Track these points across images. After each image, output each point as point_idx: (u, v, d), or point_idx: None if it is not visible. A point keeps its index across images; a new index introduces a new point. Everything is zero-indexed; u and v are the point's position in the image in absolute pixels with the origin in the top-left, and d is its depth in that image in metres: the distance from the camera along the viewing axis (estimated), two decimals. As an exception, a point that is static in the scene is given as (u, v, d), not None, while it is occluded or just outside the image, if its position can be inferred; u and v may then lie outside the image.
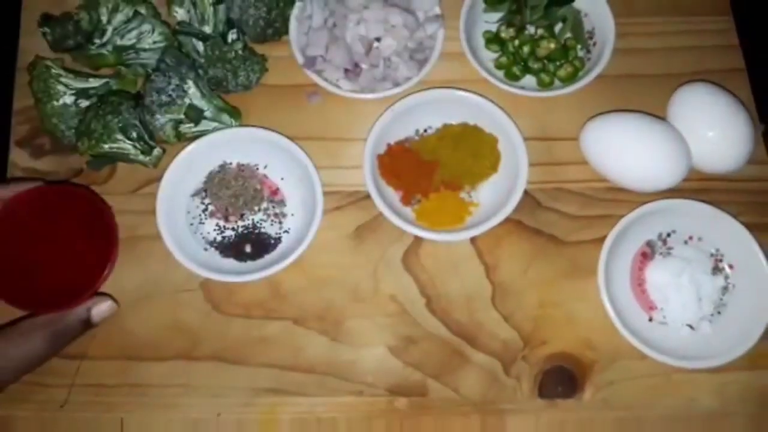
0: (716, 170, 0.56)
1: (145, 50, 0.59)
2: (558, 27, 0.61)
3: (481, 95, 0.56)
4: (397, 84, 0.58)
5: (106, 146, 0.55)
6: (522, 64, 0.60)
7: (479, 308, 0.54)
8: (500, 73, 0.60)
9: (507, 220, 0.53)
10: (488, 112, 0.56)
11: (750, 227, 0.52)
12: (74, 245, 0.54)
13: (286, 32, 0.60)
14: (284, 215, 0.56)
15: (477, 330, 0.54)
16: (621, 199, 0.57)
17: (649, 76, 0.61)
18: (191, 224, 0.55)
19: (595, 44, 0.61)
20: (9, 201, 0.53)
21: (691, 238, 0.55)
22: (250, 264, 0.54)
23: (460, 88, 0.57)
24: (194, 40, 0.59)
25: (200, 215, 0.56)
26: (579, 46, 0.60)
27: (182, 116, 0.55)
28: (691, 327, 0.53)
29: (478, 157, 0.56)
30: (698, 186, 0.57)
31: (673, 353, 0.50)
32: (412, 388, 0.53)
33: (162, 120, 0.55)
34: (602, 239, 0.53)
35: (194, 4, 0.59)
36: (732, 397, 0.52)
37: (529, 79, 0.61)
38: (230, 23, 0.60)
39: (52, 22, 0.59)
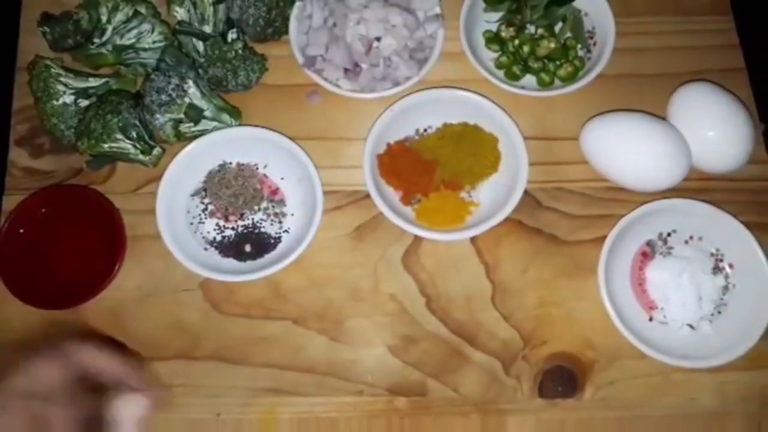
0: (716, 170, 0.56)
1: (144, 50, 0.59)
2: (558, 26, 0.61)
3: (481, 95, 0.56)
4: (397, 83, 0.58)
5: (106, 146, 0.55)
6: (522, 63, 0.60)
7: (479, 308, 0.54)
8: (500, 73, 0.60)
9: (507, 219, 0.53)
10: (488, 112, 0.56)
11: (750, 227, 0.52)
12: (83, 245, 0.55)
13: (286, 32, 0.60)
14: (284, 215, 0.56)
15: (477, 329, 0.54)
16: (621, 198, 0.57)
17: (649, 75, 0.61)
18: (191, 224, 0.55)
19: (595, 44, 0.60)
20: (22, 203, 0.54)
21: (691, 237, 0.55)
22: (250, 263, 0.54)
23: (460, 88, 0.57)
24: (194, 40, 0.58)
25: (200, 215, 0.55)
26: (579, 46, 0.60)
27: (182, 116, 0.55)
28: (691, 326, 0.53)
29: (478, 157, 0.56)
30: (698, 186, 0.57)
31: (673, 353, 0.50)
32: (412, 388, 0.53)
33: (162, 119, 0.55)
34: (602, 239, 0.53)
35: (194, 4, 0.59)
36: (732, 397, 0.52)
37: (530, 79, 0.61)
38: (230, 23, 0.60)
39: (51, 22, 0.59)
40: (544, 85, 0.60)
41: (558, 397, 0.52)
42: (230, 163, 0.57)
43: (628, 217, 0.53)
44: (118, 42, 0.58)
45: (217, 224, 0.55)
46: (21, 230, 0.55)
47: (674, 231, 0.55)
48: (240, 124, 0.58)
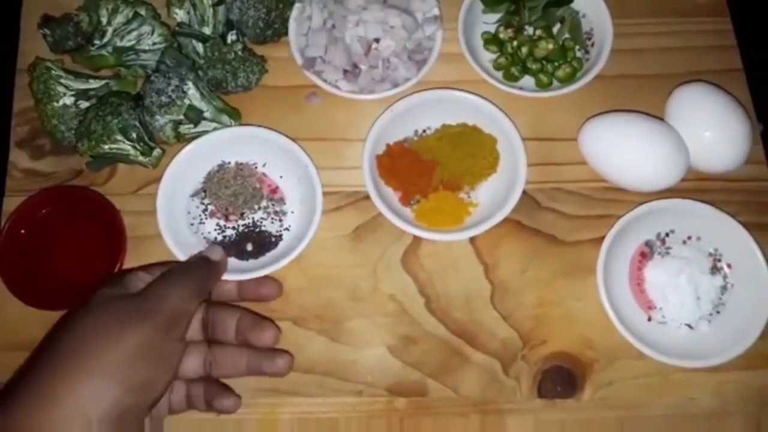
0: (714, 170, 0.56)
1: (144, 51, 0.59)
2: (556, 28, 0.61)
3: (479, 96, 0.57)
4: (396, 85, 0.58)
5: (106, 147, 0.55)
6: (520, 64, 0.60)
7: (478, 308, 0.55)
8: (499, 74, 0.61)
9: (506, 220, 0.54)
10: (487, 113, 0.56)
11: (748, 227, 0.53)
12: (84, 246, 0.55)
13: (286, 33, 0.60)
14: (284, 213, 0.56)
15: (476, 330, 0.54)
16: (619, 199, 0.57)
17: (647, 76, 0.61)
18: (191, 224, 0.55)
19: (593, 45, 0.61)
20: (22, 204, 0.55)
21: (689, 237, 0.55)
22: (252, 262, 0.54)
23: (458, 89, 0.57)
24: (194, 42, 0.59)
25: (200, 215, 0.56)
26: (577, 47, 0.61)
27: (182, 117, 0.55)
28: (689, 326, 0.53)
29: (477, 158, 0.56)
30: (696, 186, 0.57)
31: (672, 352, 0.51)
32: (412, 388, 0.53)
33: (162, 121, 0.55)
34: (601, 239, 0.53)
35: (194, 6, 0.59)
36: (730, 397, 0.52)
37: (528, 80, 0.61)
38: (230, 24, 0.60)
39: (52, 24, 0.59)
40: (542, 86, 0.60)
41: (557, 397, 0.53)
42: (229, 163, 0.57)
43: (626, 218, 0.53)
44: (119, 44, 0.58)
45: (217, 224, 0.55)
46: (22, 231, 0.55)
47: (672, 231, 0.56)
48: (240, 125, 0.58)
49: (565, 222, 0.57)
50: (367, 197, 0.54)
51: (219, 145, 0.56)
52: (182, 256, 0.51)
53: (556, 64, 0.60)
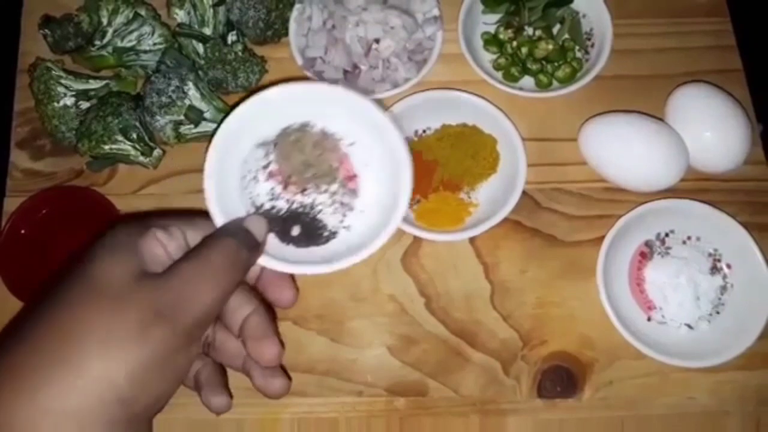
0: (714, 170, 0.56)
1: (145, 52, 0.59)
2: (556, 28, 0.61)
3: (479, 96, 0.57)
4: (396, 85, 0.58)
5: (107, 147, 0.55)
6: (520, 65, 0.60)
7: (478, 308, 0.55)
8: (499, 74, 0.61)
9: (506, 220, 0.54)
10: (487, 113, 0.57)
11: (748, 227, 0.53)
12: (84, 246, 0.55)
13: (286, 34, 0.60)
14: (351, 208, 0.44)
15: (476, 330, 0.54)
16: (619, 199, 0.57)
17: (646, 76, 0.61)
18: (243, 177, 0.44)
19: (593, 45, 0.61)
20: (22, 205, 0.55)
21: (689, 237, 0.56)
22: (289, 249, 0.42)
23: (458, 89, 0.57)
24: (194, 42, 0.59)
25: (258, 171, 0.44)
26: (577, 47, 0.61)
27: (182, 117, 0.55)
28: (689, 326, 0.53)
29: (477, 158, 0.56)
30: (696, 186, 0.57)
31: (672, 352, 0.51)
32: (412, 388, 0.53)
33: (162, 121, 0.55)
34: (601, 239, 0.53)
35: (194, 6, 0.59)
36: (730, 396, 0.52)
37: (528, 80, 0.61)
38: (230, 25, 0.60)
39: (52, 24, 0.59)
40: (542, 86, 0.60)
41: (557, 397, 0.53)
42: (314, 126, 0.45)
43: (626, 218, 0.53)
44: (119, 44, 0.59)
45: (272, 189, 0.44)
46: (22, 231, 0.55)
47: (672, 231, 0.56)
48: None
49: (564, 222, 0.57)
50: (368, 197, 0.54)
51: (312, 102, 0.44)
52: (217, 212, 0.39)
53: (556, 64, 0.60)
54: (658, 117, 0.58)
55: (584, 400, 0.52)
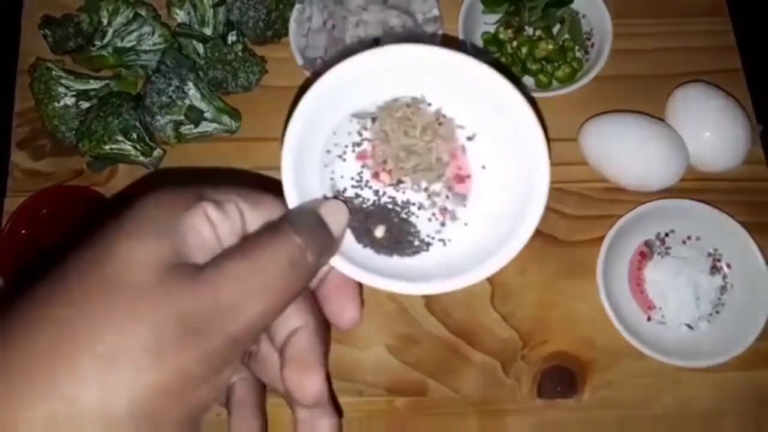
0: (714, 170, 0.56)
1: (145, 52, 0.59)
2: (556, 28, 0.61)
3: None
4: (396, 85, 0.58)
5: (107, 147, 0.55)
6: (520, 65, 0.60)
7: (478, 308, 0.55)
8: (499, 74, 0.61)
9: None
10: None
11: (748, 227, 0.53)
12: None
13: (286, 34, 0.60)
14: (455, 218, 0.35)
15: (476, 330, 0.54)
16: (619, 199, 0.57)
17: (646, 76, 0.61)
18: (329, 151, 0.35)
19: (593, 45, 0.61)
20: (23, 204, 0.55)
21: (689, 237, 0.56)
22: (366, 254, 0.33)
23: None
24: (194, 42, 0.59)
25: (347, 147, 0.35)
26: (577, 47, 0.61)
27: (182, 117, 0.55)
28: (689, 326, 0.53)
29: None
30: (696, 186, 0.57)
31: (672, 352, 0.51)
32: (412, 388, 0.53)
33: (162, 121, 0.55)
34: (601, 239, 0.53)
35: (194, 6, 0.59)
36: (730, 396, 0.52)
37: (528, 80, 0.61)
38: (230, 25, 0.60)
39: (52, 24, 0.59)
40: (542, 86, 0.60)
41: (557, 397, 0.53)
42: (429, 104, 0.36)
43: (626, 218, 0.53)
44: (119, 44, 0.59)
45: (360, 173, 0.35)
46: (22, 231, 0.55)
47: (672, 231, 0.56)
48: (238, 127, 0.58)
49: (564, 222, 0.57)
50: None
51: (431, 71, 0.34)
52: (293, 191, 0.31)
53: (556, 64, 0.60)
54: (658, 117, 0.58)
55: (584, 401, 0.52)
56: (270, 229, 0.27)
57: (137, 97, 0.58)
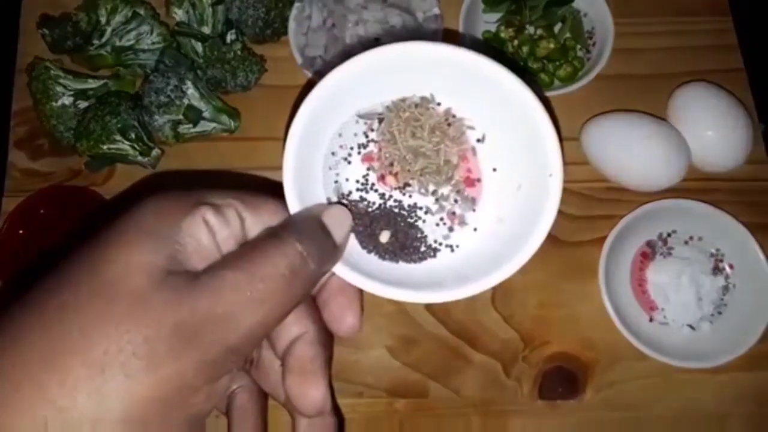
0: (716, 170, 0.56)
1: (143, 51, 0.59)
2: (557, 27, 0.61)
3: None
4: (396, 84, 0.57)
5: (105, 147, 0.55)
6: (522, 64, 0.60)
7: (479, 309, 0.54)
8: (499, 74, 0.60)
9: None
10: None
11: (750, 227, 0.52)
12: None
13: (285, 33, 0.60)
14: (463, 222, 0.34)
15: (477, 330, 0.54)
16: (621, 199, 0.57)
17: (648, 76, 0.61)
18: (333, 153, 0.34)
19: (594, 44, 0.61)
20: (20, 204, 0.54)
21: (691, 238, 0.55)
22: (370, 259, 0.32)
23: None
24: (193, 41, 0.58)
25: (352, 149, 0.34)
26: (578, 46, 0.60)
27: (181, 117, 0.55)
28: (691, 327, 0.53)
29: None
30: (698, 186, 0.57)
31: (674, 353, 0.50)
32: (412, 389, 0.53)
33: (161, 120, 0.55)
34: (603, 239, 0.53)
35: (193, 5, 0.59)
36: (732, 397, 0.52)
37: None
38: (229, 24, 0.60)
39: (51, 24, 0.59)
40: (543, 85, 0.60)
41: (558, 398, 0.52)
42: (438, 104, 0.34)
43: (628, 218, 0.53)
44: (117, 43, 0.58)
45: (365, 176, 0.34)
46: (20, 231, 0.55)
47: (674, 231, 0.55)
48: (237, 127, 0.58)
49: (566, 222, 0.57)
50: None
51: (439, 68, 0.32)
52: (294, 195, 0.29)
53: (557, 63, 0.60)
54: (659, 116, 0.57)
55: (586, 402, 0.52)
56: (270, 235, 0.26)
57: (135, 97, 0.57)
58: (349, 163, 0.34)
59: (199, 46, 0.58)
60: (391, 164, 0.33)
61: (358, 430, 0.52)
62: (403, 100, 0.34)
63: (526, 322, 0.54)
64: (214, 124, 0.57)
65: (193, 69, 0.57)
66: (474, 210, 0.34)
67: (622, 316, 0.51)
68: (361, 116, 0.34)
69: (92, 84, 0.58)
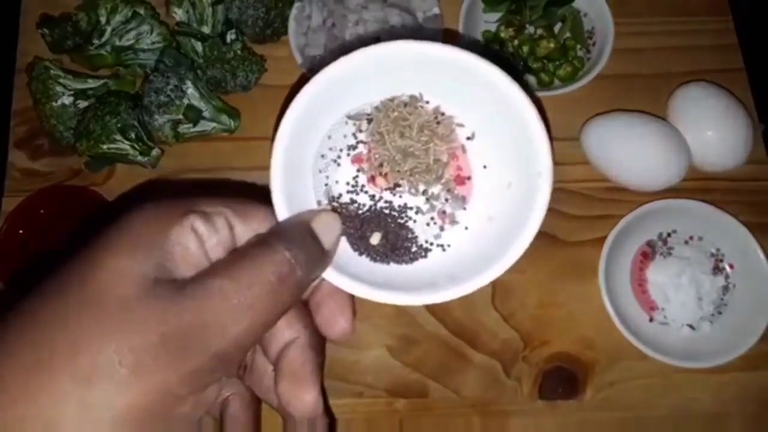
0: (716, 170, 0.56)
1: (143, 51, 0.59)
2: (557, 27, 0.61)
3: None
4: (396, 84, 0.57)
5: (105, 147, 0.55)
6: (521, 63, 0.60)
7: (479, 308, 0.54)
8: (499, 73, 0.60)
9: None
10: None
11: (750, 227, 0.52)
12: None
13: (285, 32, 0.60)
14: (454, 221, 0.34)
15: (477, 330, 0.54)
16: (621, 198, 0.56)
17: (648, 75, 0.61)
18: (322, 156, 0.34)
19: (594, 44, 0.60)
20: (20, 204, 0.54)
21: (691, 237, 0.55)
22: (361, 262, 0.32)
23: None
24: (193, 41, 0.58)
25: (342, 150, 0.34)
26: (578, 46, 0.60)
27: (181, 116, 0.55)
28: (691, 327, 0.53)
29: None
30: (698, 186, 0.57)
31: (674, 353, 0.50)
32: (412, 389, 0.53)
33: (160, 120, 0.55)
34: (603, 239, 0.53)
35: (193, 5, 0.59)
36: (732, 397, 0.52)
37: (529, 79, 0.60)
38: (229, 24, 0.60)
39: (50, 23, 0.59)
40: (543, 85, 0.60)
41: (558, 398, 0.52)
42: (426, 102, 0.34)
43: (628, 218, 0.53)
44: (117, 43, 0.58)
45: (355, 178, 0.34)
46: (20, 231, 0.55)
47: (674, 231, 0.55)
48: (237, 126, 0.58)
49: (566, 222, 0.57)
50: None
51: (436, 68, 0.32)
52: (282, 202, 0.29)
53: (557, 63, 0.60)
54: (659, 116, 0.57)
55: (586, 402, 0.52)
56: (259, 242, 0.26)
57: (135, 96, 0.57)
58: (339, 165, 0.34)
59: (199, 46, 0.58)
60: (381, 165, 0.33)
61: (358, 430, 0.52)
62: (392, 99, 0.34)
63: (526, 322, 0.54)
64: (214, 124, 0.57)
65: (193, 69, 0.57)
66: (465, 208, 0.34)
67: (622, 316, 0.51)
68: (350, 117, 0.34)
69: (92, 84, 0.58)
